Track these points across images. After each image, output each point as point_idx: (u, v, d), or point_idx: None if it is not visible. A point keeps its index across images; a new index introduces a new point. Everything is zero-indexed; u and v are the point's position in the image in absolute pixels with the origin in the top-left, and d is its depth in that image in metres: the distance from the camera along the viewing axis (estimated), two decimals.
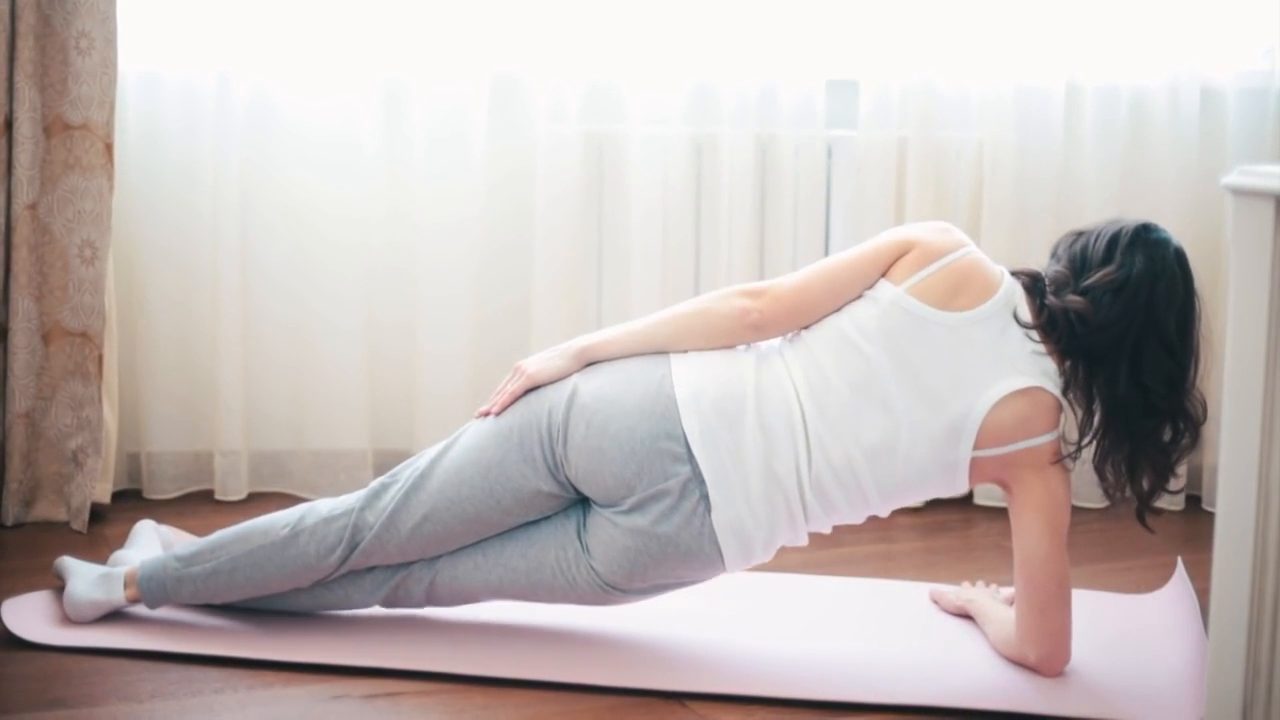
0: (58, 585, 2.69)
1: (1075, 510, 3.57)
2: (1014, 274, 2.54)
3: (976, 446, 2.45)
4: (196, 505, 3.46)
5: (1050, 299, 2.47)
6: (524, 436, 2.50)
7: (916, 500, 2.59)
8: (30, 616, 2.60)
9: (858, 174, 3.57)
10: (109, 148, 3.23)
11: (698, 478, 2.43)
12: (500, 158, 3.57)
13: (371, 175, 3.52)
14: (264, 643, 2.53)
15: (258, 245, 3.53)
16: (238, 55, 3.44)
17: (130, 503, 3.45)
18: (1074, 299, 2.44)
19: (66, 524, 3.26)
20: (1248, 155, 3.47)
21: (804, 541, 2.54)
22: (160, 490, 3.52)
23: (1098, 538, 3.41)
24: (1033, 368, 2.46)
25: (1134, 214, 3.57)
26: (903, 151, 3.57)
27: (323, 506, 2.61)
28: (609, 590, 2.49)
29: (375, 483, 2.60)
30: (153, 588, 2.61)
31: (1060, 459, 2.47)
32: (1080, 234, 2.54)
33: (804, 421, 2.46)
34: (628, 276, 3.55)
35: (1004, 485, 2.50)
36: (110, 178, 3.24)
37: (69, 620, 2.60)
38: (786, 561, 3.06)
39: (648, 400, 2.46)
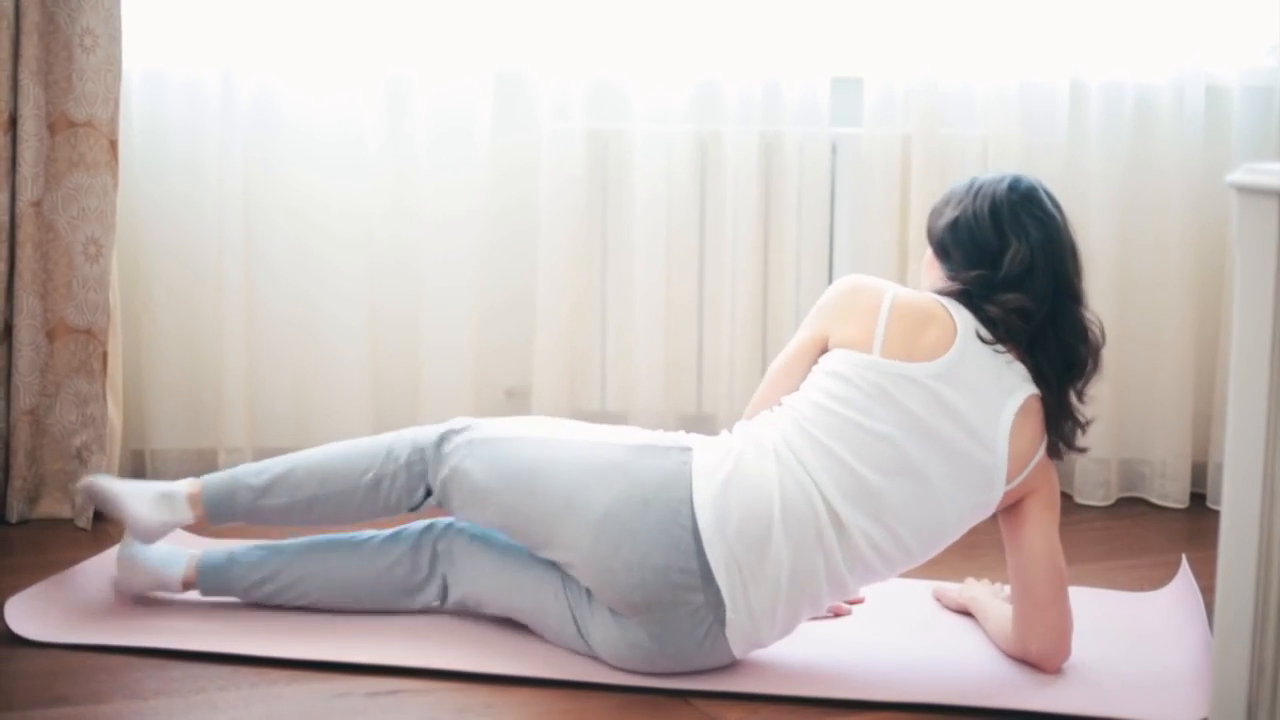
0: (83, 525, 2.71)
1: (1079, 509, 3.60)
2: (941, 294, 2.50)
3: (1008, 481, 2.45)
4: None
5: (990, 308, 2.44)
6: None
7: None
8: (35, 614, 2.60)
9: (862, 172, 3.56)
10: (113, 145, 3.23)
11: (713, 601, 2.37)
12: (504, 155, 3.57)
13: (375, 172, 3.52)
14: (268, 640, 2.53)
15: (262, 242, 3.53)
16: (242, 52, 3.44)
17: None
18: (1010, 297, 2.44)
19: (71, 521, 3.26)
20: (1252, 153, 3.47)
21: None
22: None
23: (1101, 536, 3.40)
24: (1014, 379, 2.45)
25: (1138, 212, 3.62)
26: (907, 149, 3.56)
27: (402, 449, 2.60)
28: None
29: (453, 423, 2.61)
30: (220, 511, 2.64)
31: (1058, 453, 2.48)
32: (951, 220, 2.51)
33: (836, 521, 2.38)
34: (631, 275, 3.55)
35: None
36: (115, 175, 3.24)
37: (136, 538, 2.64)
38: None
39: (663, 529, 2.37)
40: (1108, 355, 3.54)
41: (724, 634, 2.39)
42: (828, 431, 2.41)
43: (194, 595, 2.69)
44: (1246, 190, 1.94)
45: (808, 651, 2.55)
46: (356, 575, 2.64)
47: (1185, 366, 3.62)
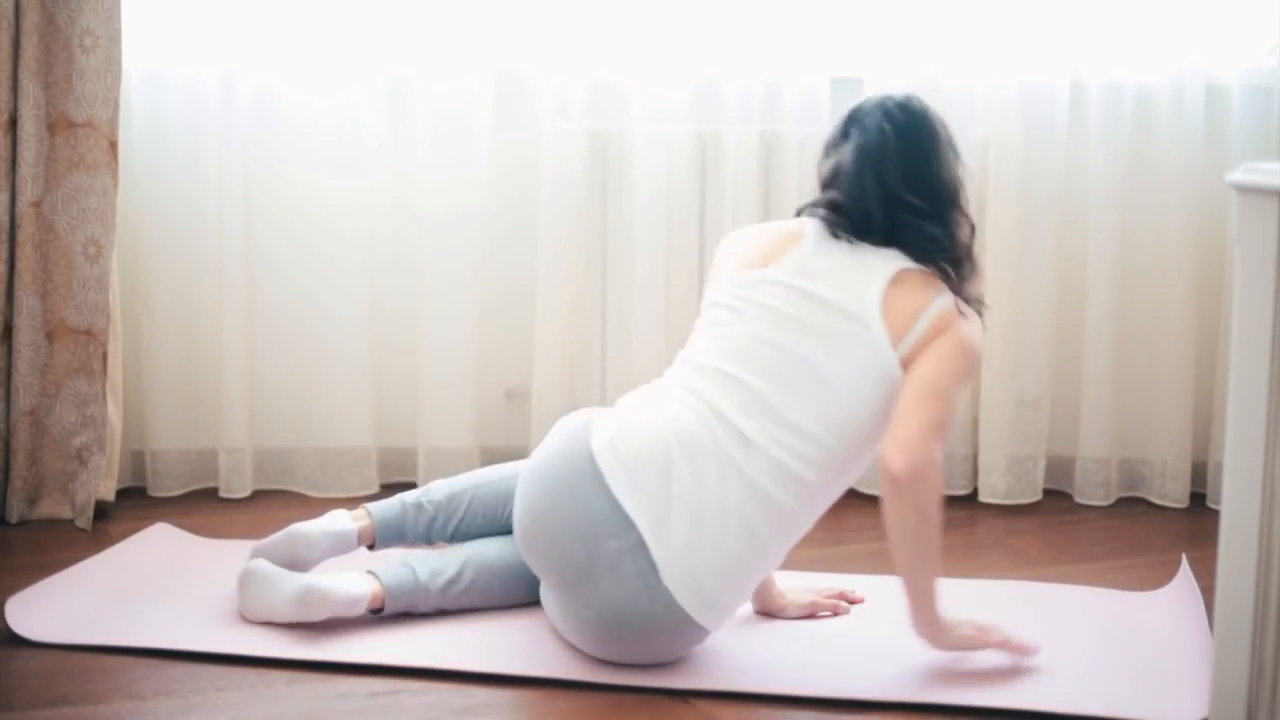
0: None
1: (1079, 509, 3.60)
2: (799, 213, 2.63)
3: (896, 347, 2.45)
4: (201, 503, 3.46)
5: (819, 209, 2.57)
6: None
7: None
8: (34, 614, 2.60)
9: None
10: (113, 145, 3.23)
11: (634, 544, 2.38)
12: (504, 154, 3.57)
13: (376, 171, 3.53)
14: (267, 641, 2.53)
15: (262, 242, 3.53)
16: (242, 52, 3.44)
17: (135, 500, 3.45)
18: (827, 195, 2.57)
19: (71, 521, 3.26)
20: (1252, 152, 3.47)
21: (795, 540, 2.53)
22: (164, 488, 3.52)
23: (1101, 535, 3.41)
24: (880, 259, 2.51)
25: (1138, 212, 3.62)
26: None
27: None
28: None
29: None
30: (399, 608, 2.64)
31: (960, 310, 2.49)
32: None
33: (738, 436, 2.42)
34: (632, 274, 3.55)
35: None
36: (115, 175, 3.24)
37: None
38: (789, 559, 3.05)
39: (569, 480, 2.45)
40: (1107, 354, 3.59)
41: (662, 584, 2.37)
42: (710, 354, 2.51)
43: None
44: (1247, 190, 1.94)
45: (807, 651, 2.55)
46: (510, 560, 2.67)
47: (1185, 366, 3.61)
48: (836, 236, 2.54)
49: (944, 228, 2.53)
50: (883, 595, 2.83)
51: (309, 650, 2.49)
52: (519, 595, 2.67)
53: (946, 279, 2.51)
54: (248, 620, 2.62)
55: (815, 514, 2.51)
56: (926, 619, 2.46)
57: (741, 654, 2.55)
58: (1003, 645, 2.48)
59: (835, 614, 2.75)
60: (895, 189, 2.51)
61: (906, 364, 2.45)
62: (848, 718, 2.33)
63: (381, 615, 2.61)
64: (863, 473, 2.58)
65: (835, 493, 2.52)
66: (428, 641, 2.55)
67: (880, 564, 3.10)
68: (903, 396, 2.43)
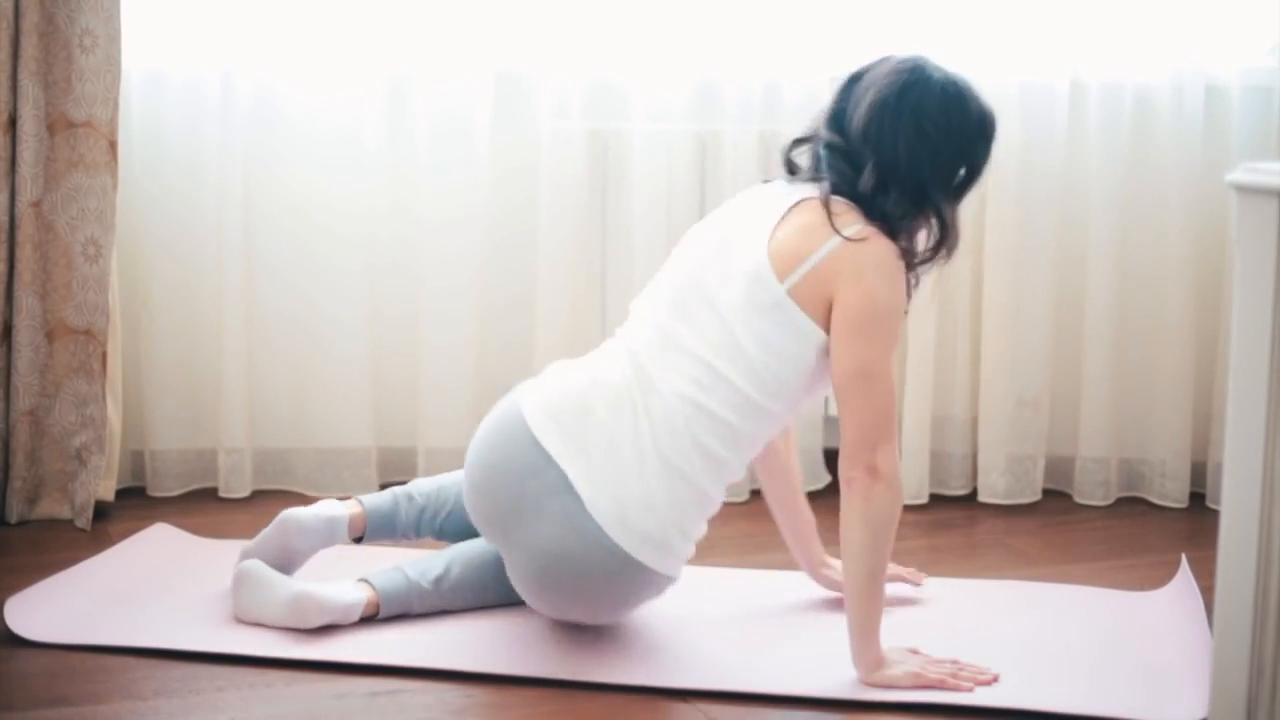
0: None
1: (1078, 509, 3.60)
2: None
3: (782, 278, 2.43)
4: (200, 503, 3.46)
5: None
6: None
7: (808, 393, 2.52)
8: (34, 614, 2.60)
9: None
10: (113, 145, 3.23)
11: (558, 479, 2.42)
12: (504, 154, 3.57)
13: (375, 172, 3.52)
14: (267, 641, 2.53)
15: (262, 242, 3.53)
16: (241, 52, 3.44)
17: (134, 500, 3.45)
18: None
19: (70, 522, 3.26)
20: (1252, 153, 3.46)
21: (739, 476, 2.54)
22: (164, 488, 3.52)
23: (1101, 535, 3.41)
24: (793, 193, 2.54)
25: (1137, 211, 3.62)
26: None
27: None
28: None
29: None
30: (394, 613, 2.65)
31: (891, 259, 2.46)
32: None
33: (645, 378, 2.46)
34: (631, 274, 3.55)
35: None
36: (114, 175, 3.24)
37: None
38: (790, 559, 3.06)
39: (499, 430, 2.52)
40: (1107, 354, 3.59)
41: (590, 518, 2.39)
42: (635, 308, 2.59)
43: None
44: (1246, 190, 1.94)
45: (807, 652, 2.55)
46: (495, 554, 2.67)
47: (1185, 366, 3.61)
48: (793, 174, 2.59)
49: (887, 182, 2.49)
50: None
51: (309, 650, 2.49)
52: (510, 589, 2.66)
53: (872, 216, 2.47)
54: (241, 622, 2.62)
55: (742, 453, 2.50)
56: (864, 646, 2.42)
57: (741, 653, 2.55)
58: (941, 685, 2.40)
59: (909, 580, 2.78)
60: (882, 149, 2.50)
61: (804, 297, 2.43)
62: (847, 717, 2.33)
63: (377, 619, 2.61)
64: (796, 416, 2.61)
65: (761, 432, 2.50)
66: (428, 641, 2.55)
67: None
68: (834, 382, 2.44)
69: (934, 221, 2.52)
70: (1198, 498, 3.65)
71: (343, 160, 3.53)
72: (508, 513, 2.48)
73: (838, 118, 2.56)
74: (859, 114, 2.51)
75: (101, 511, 3.29)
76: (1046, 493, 3.68)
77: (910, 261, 2.51)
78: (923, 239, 2.54)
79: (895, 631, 2.55)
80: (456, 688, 2.40)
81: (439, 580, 2.66)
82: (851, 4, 3.57)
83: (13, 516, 3.24)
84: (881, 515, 2.40)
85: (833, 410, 3.64)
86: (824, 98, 3.51)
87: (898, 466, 2.42)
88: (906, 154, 2.48)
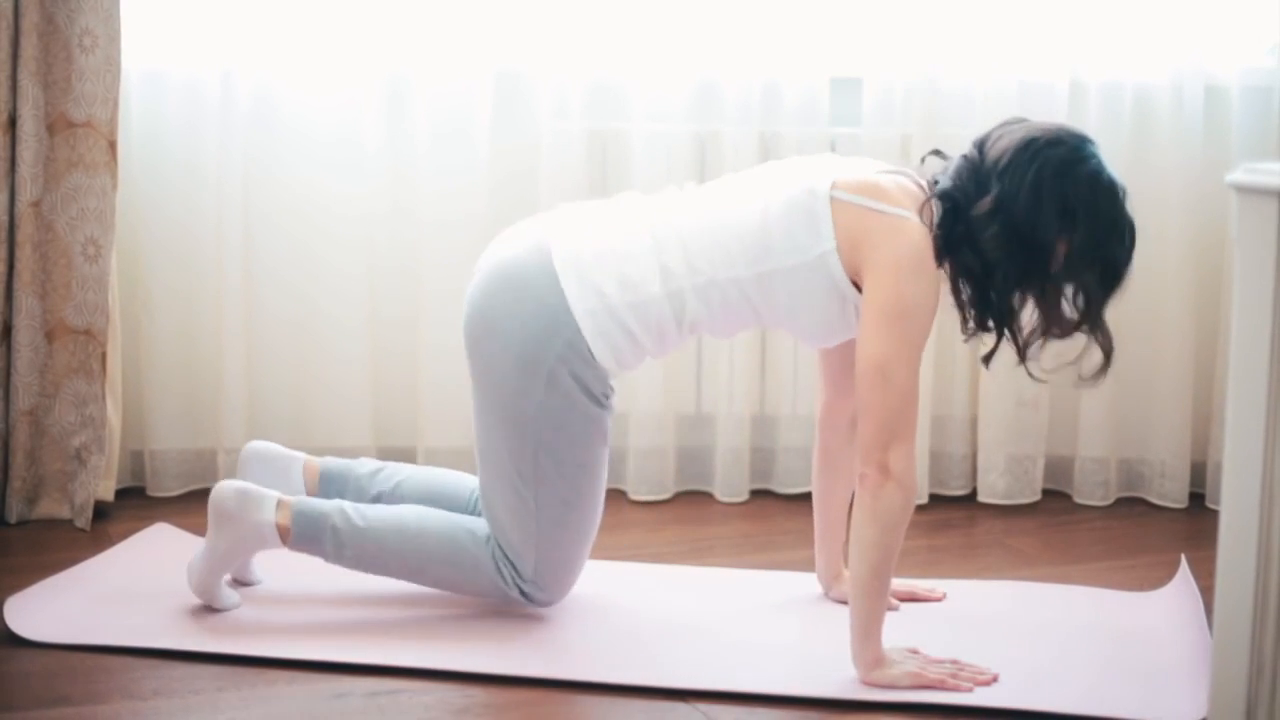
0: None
1: (1078, 509, 3.60)
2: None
3: (835, 186, 2.48)
4: (200, 503, 3.44)
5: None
6: None
7: (803, 306, 2.55)
8: (34, 614, 2.60)
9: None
10: (113, 145, 3.23)
11: (543, 241, 2.58)
12: (503, 155, 3.57)
13: (375, 172, 3.52)
14: (266, 641, 2.54)
15: (261, 243, 3.53)
16: (241, 52, 3.44)
17: (134, 500, 3.45)
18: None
19: (70, 522, 3.26)
20: (1252, 153, 3.47)
21: (688, 320, 2.57)
22: (164, 488, 3.52)
23: (1100, 535, 3.41)
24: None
25: (1137, 211, 3.61)
26: (906, 148, 3.56)
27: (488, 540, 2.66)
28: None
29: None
30: (305, 547, 2.67)
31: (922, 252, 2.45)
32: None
33: (658, 213, 2.58)
34: None
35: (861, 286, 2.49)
36: (114, 175, 3.24)
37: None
38: (790, 559, 3.07)
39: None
40: None
41: (546, 247, 2.54)
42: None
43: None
44: (1246, 190, 1.94)
45: (806, 652, 2.56)
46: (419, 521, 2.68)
47: (1184, 366, 3.61)
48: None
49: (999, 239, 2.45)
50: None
51: (309, 650, 2.49)
52: (417, 557, 2.65)
53: (950, 237, 2.46)
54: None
55: (719, 316, 2.57)
56: (863, 645, 2.42)
57: (740, 653, 2.55)
58: (940, 685, 2.40)
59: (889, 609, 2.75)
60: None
61: (841, 227, 2.48)
62: (847, 717, 2.33)
63: (289, 542, 2.64)
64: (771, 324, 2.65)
65: (744, 307, 2.56)
66: (427, 641, 2.55)
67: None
68: (855, 373, 2.44)
69: (1042, 300, 2.48)
70: (1197, 498, 3.65)
71: (342, 161, 3.53)
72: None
73: (981, 143, 2.52)
74: (1002, 142, 2.48)
75: (101, 511, 3.29)
76: (1046, 493, 3.68)
77: (1002, 326, 2.50)
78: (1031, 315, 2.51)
79: (895, 631, 2.55)
80: (456, 688, 2.40)
81: (359, 515, 2.66)
82: (851, 5, 3.57)
83: (12, 516, 3.24)
84: (890, 514, 2.40)
85: None
86: (824, 99, 3.56)
87: (911, 466, 2.43)
88: (1030, 202, 2.43)
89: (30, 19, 3.15)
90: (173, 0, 3.43)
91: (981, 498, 3.62)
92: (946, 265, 2.49)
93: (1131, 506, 3.64)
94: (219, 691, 2.36)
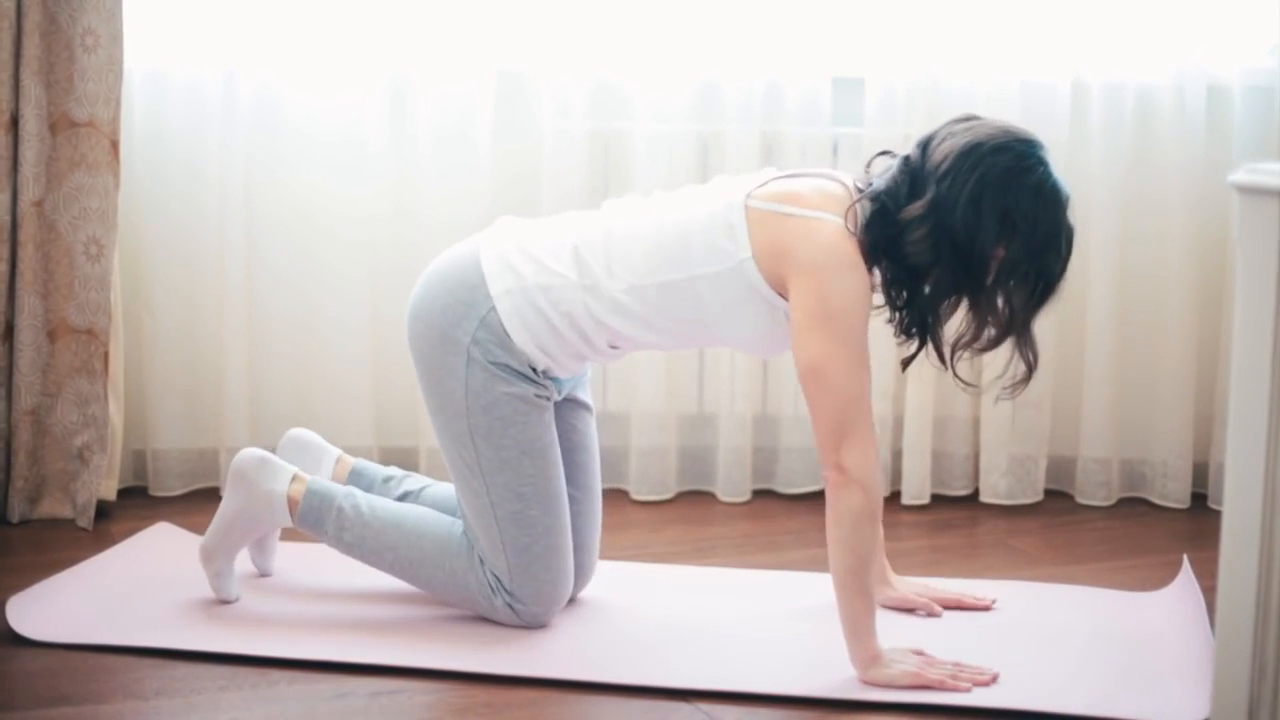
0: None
1: (1080, 509, 3.60)
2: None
3: (750, 196, 2.49)
4: (203, 502, 3.46)
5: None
6: None
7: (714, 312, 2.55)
8: (36, 614, 2.60)
9: (864, 171, 3.55)
10: (115, 145, 3.23)
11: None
12: (506, 155, 3.57)
13: (377, 173, 3.53)
14: (268, 640, 2.54)
15: (263, 243, 3.53)
16: (243, 53, 3.44)
17: (136, 500, 3.45)
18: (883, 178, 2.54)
19: (72, 521, 3.26)
20: (1254, 153, 3.47)
21: (589, 349, 2.61)
22: (166, 487, 3.52)
23: (1102, 536, 3.41)
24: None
25: (1139, 212, 3.62)
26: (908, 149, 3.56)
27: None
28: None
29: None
30: (309, 526, 2.71)
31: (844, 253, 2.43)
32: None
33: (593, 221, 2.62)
34: None
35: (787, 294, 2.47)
36: (116, 175, 3.24)
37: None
38: (792, 559, 3.07)
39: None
40: (1108, 354, 3.59)
41: (476, 243, 2.61)
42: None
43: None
44: (1248, 190, 1.94)
45: (808, 651, 2.55)
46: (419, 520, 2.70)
47: (1186, 366, 3.61)
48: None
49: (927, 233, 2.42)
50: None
51: (311, 650, 2.49)
52: (412, 553, 2.67)
53: (875, 237, 2.44)
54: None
55: (650, 321, 2.56)
56: (855, 644, 2.42)
57: (741, 653, 2.55)
58: (940, 685, 2.39)
59: (929, 614, 2.75)
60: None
61: (757, 232, 2.48)
62: (848, 717, 2.33)
63: (295, 518, 2.69)
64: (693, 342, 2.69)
65: (675, 314, 2.56)
66: (429, 642, 2.55)
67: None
68: (803, 387, 2.45)
69: (972, 308, 2.46)
70: (1199, 498, 3.65)
71: (344, 162, 3.54)
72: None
73: (925, 144, 2.49)
74: (946, 145, 2.45)
75: (103, 511, 3.30)
76: (1048, 493, 3.68)
77: (925, 333, 2.49)
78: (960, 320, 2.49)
79: (898, 632, 2.55)
80: (457, 688, 2.40)
81: (366, 503, 2.69)
82: (853, 5, 3.57)
83: (14, 516, 3.24)
84: (851, 513, 2.39)
85: None
86: (826, 99, 3.56)
87: (869, 465, 2.41)
88: (968, 209, 2.39)
89: (33, 18, 3.16)
90: (175, 0, 3.43)
91: (983, 498, 3.62)
92: (879, 267, 2.47)
93: (1134, 507, 3.64)
94: (221, 691, 2.36)
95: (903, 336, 2.52)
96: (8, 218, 3.20)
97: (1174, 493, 3.62)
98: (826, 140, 3.57)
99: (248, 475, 2.71)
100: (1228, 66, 3.59)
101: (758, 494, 3.63)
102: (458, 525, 2.66)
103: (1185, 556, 3.01)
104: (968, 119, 2.51)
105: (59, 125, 3.22)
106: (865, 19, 3.57)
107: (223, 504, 2.73)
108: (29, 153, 3.18)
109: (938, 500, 3.62)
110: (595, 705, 2.37)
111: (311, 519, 2.68)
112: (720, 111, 3.55)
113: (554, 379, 2.63)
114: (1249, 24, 3.61)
